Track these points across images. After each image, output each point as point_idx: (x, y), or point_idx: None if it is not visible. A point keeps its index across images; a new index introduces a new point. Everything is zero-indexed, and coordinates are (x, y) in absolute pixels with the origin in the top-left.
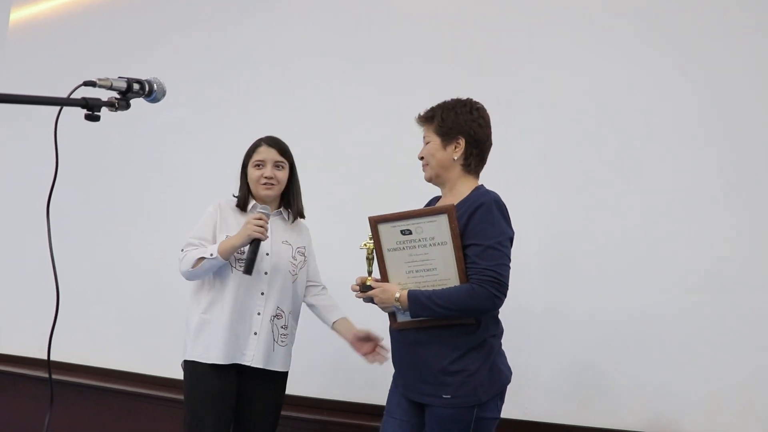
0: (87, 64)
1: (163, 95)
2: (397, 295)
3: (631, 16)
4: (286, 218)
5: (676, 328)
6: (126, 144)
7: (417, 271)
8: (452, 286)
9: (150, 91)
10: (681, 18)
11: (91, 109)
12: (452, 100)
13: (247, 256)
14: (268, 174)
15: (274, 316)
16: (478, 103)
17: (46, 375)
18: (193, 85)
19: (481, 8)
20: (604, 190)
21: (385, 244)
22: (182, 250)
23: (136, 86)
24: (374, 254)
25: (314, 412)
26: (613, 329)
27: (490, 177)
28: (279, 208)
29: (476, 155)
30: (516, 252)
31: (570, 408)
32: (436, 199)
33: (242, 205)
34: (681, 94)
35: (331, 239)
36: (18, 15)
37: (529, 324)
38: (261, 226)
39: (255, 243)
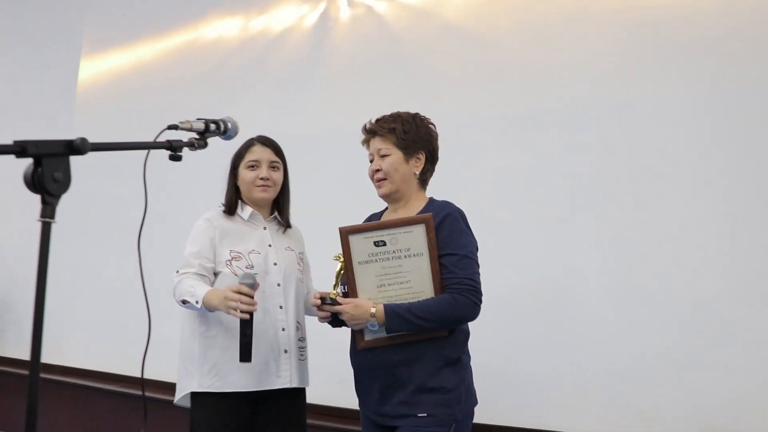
0: (153, 110)
1: (236, 133)
2: (373, 310)
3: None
4: (280, 223)
5: None
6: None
7: (389, 285)
8: (427, 298)
9: (225, 130)
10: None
11: (175, 150)
12: (404, 112)
13: (241, 340)
14: (264, 175)
15: (296, 330)
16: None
17: (124, 389)
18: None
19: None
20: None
21: (356, 257)
22: (177, 272)
23: (212, 126)
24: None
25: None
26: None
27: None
28: (273, 213)
29: (430, 170)
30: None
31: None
32: (376, 215)
33: (232, 210)
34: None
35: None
36: (87, 64)
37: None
38: (247, 302)
39: (245, 323)
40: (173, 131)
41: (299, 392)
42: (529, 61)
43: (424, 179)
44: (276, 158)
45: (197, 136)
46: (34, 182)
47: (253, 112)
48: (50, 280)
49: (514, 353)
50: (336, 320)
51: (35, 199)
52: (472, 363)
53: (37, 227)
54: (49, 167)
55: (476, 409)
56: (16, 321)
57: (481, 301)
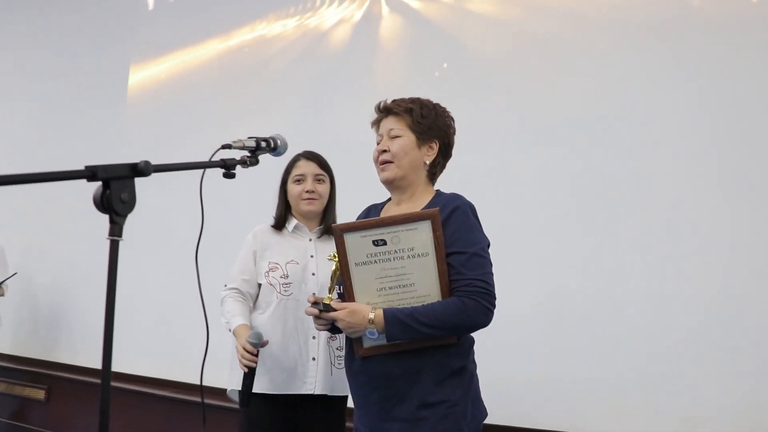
0: (199, 123)
1: (285, 149)
2: (371, 315)
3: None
4: (324, 232)
5: None
6: None
7: (390, 288)
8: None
9: (275, 147)
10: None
11: (228, 168)
12: (424, 99)
13: (242, 388)
14: (309, 188)
15: (330, 338)
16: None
17: (178, 395)
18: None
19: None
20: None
21: (353, 257)
22: (225, 286)
23: (263, 144)
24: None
25: None
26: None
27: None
28: (320, 224)
29: (441, 165)
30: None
31: None
32: (376, 207)
33: (280, 224)
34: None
35: None
36: (136, 76)
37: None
38: (248, 359)
39: (246, 375)
40: (226, 150)
41: (337, 400)
42: (579, 65)
43: (433, 172)
44: (321, 171)
45: (249, 154)
46: (103, 203)
47: (293, 114)
48: (95, 291)
49: (554, 360)
50: (335, 326)
51: (82, 216)
52: (504, 370)
53: (86, 242)
54: (116, 189)
55: (516, 414)
56: (67, 328)
57: (494, 306)
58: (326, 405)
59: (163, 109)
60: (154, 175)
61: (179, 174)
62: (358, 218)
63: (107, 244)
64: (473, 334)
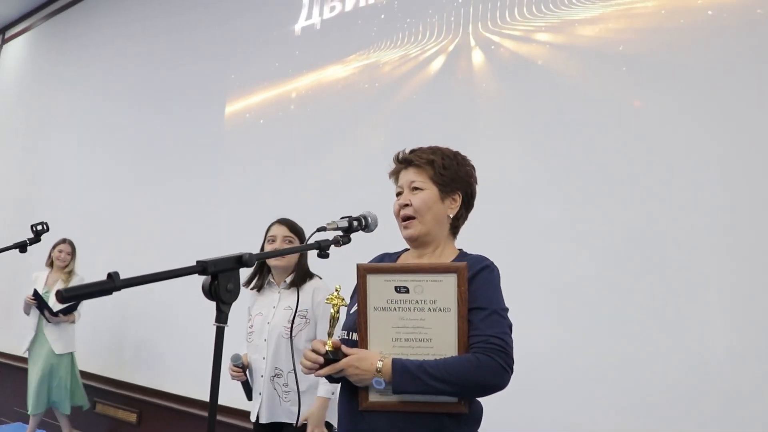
0: (288, 151)
1: (376, 226)
2: (379, 364)
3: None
4: (289, 285)
5: None
6: None
7: (406, 340)
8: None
9: (366, 225)
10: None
11: (323, 250)
12: (444, 147)
13: (244, 390)
14: (277, 247)
15: (273, 376)
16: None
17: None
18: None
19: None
20: None
21: (373, 301)
22: None
23: (355, 223)
24: (340, 313)
25: None
26: None
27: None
28: (291, 274)
29: (464, 217)
30: None
31: None
32: (391, 256)
33: (248, 282)
34: None
35: None
36: (232, 108)
37: None
38: (233, 374)
39: (243, 383)
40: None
41: (290, 427)
42: (660, 102)
43: (456, 225)
44: (289, 233)
45: (342, 233)
46: (211, 293)
47: (370, 150)
48: (185, 322)
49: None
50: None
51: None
52: None
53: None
54: (223, 280)
55: None
56: (158, 356)
57: (511, 367)
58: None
59: (256, 148)
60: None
61: None
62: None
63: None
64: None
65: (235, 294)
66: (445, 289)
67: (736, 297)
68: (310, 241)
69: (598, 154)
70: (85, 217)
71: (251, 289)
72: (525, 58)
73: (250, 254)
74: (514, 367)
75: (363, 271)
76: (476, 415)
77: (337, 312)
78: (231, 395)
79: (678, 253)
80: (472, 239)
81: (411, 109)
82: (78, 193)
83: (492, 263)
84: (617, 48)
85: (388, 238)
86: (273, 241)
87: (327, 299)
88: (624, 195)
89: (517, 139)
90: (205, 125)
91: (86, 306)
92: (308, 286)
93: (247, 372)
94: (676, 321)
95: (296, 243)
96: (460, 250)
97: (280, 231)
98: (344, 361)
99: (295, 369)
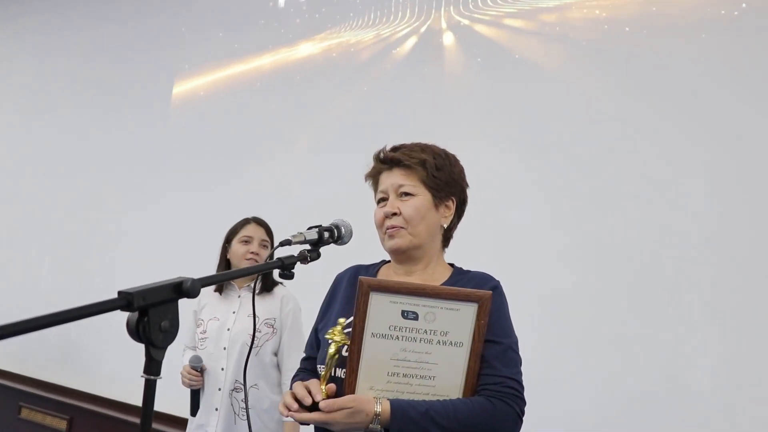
0: (241, 132)
1: (351, 237)
2: (377, 408)
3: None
4: (257, 291)
5: None
6: None
7: (404, 376)
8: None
9: (339, 236)
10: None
11: (286, 269)
12: (432, 145)
13: (191, 401)
14: (254, 250)
15: (233, 390)
16: None
17: None
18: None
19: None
20: None
21: (372, 325)
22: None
23: (326, 235)
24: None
25: None
26: None
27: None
28: (255, 278)
29: (455, 226)
30: None
31: None
32: (367, 270)
33: (219, 286)
34: None
35: None
36: (180, 88)
37: None
38: (189, 380)
39: (192, 392)
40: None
41: None
42: (642, 108)
43: (448, 236)
44: (266, 237)
45: (309, 248)
46: (138, 334)
47: (335, 141)
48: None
49: None
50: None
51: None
52: None
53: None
54: (156, 317)
55: None
56: (93, 357)
57: (524, 413)
58: None
59: (208, 120)
60: None
61: None
62: (339, 279)
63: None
64: None
65: (172, 334)
66: (462, 321)
67: (719, 308)
68: (274, 257)
69: (577, 157)
70: (18, 214)
71: (215, 290)
72: (501, 47)
73: (193, 280)
74: None
75: (366, 288)
76: None
77: (336, 353)
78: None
79: (660, 262)
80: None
81: (377, 98)
82: (9, 186)
83: (499, 283)
84: (603, 43)
85: (358, 246)
86: (248, 242)
87: (327, 335)
88: (605, 200)
89: (490, 136)
90: (152, 108)
91: (4, 295)
92: (276, 293)
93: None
94: (656, 333)
95: (269, 251)
96: (452, 265)
97: (258, 233)
98: (329, 415)
99: (257, 383)
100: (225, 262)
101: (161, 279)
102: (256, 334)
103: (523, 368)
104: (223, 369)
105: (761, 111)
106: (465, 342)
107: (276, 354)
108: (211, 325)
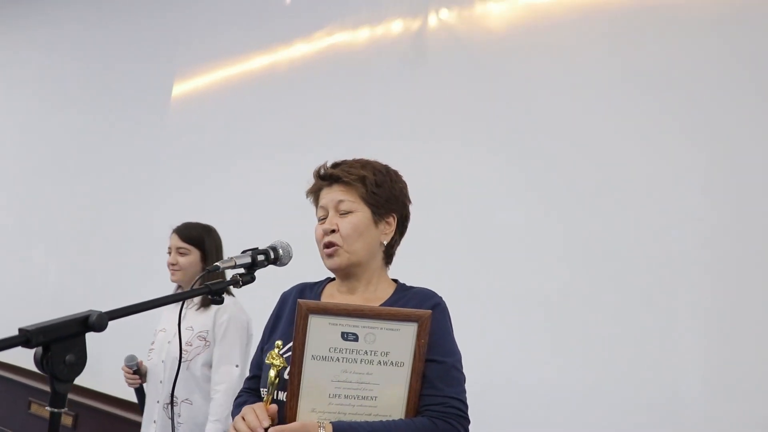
0: (241, 132)
1: (290, 258)
2: None
3: None
4: (200, 305)
5: None
6: None
7: (346, 397)
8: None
9: (276, 258)
10: None
11: (215, 294)
12: (372, 160)
13: (137, 400)
14: (170, 261)
15: (168, 404)
16: None
17: None
18: None
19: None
20: None
21: (312, 348)
22: None
23: (260, 257)
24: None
25: None
26: None
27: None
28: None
29: (397, 243)
30: None
31: None
32: (312, 288)
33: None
34: None
35: None
36: (180, 88)
37: None
38: (127, 380)
39: (137, 389)
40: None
41: None
42: (632, 107)
43: (390, 253)
44: (182, 244)
45: (243, 271)
46: (43, 368)
47: (328, 143)
48: None
49: None
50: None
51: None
52: None
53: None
54: (58, 351)
55: None
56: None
57: None
58: None
59: (205, 121)
60: None
61: None
62: (284, 298)
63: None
64: None
65: (78, 366)
66: (402, 341)
67: (711, 310)
68: (198, 285)
69: (569, 157)
70: (25, 214)
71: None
72: (490, 46)
73: (100, 314)
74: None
75: (305, 311)
76: None
77: (277, 377)
78: None
79: (652, 267)
80: (426, 246)
81: (368, 102)
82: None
83: (442, 300)
84: (594, 42)
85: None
86: (169, 253)
87: (267, 359)
88: (596, 201)
89: (479, 136)
90: (154, 108)
91: (12, 294)
92: (213, 306)
93: (144, 386)
94: (645, 339)
95: (193, 253)
96: (395, 281)
97: (173, 242)
98: None
99: (189, 397)
100: None
101: (160, 277)
102: (187, 347)
103: (511, 367)
104: (161, 382)
105: (759, 108)
106: (406, 362)
107: (209, 367)
108: (159, 336)
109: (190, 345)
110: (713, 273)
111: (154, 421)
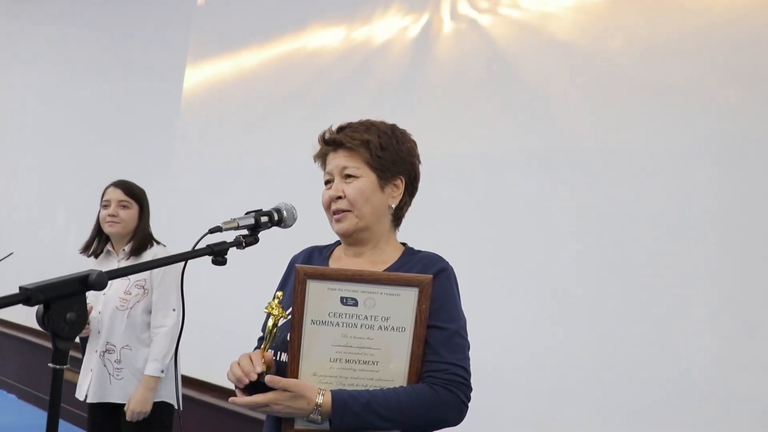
0: (252, 118)
1: (294, 220)
2: (319, 400)
3: None
4: (129, 254)
5: None
6: None
7: (347, 361)
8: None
9: (280, 220)
10: None
11: (217, 255)
12: (379, 122)
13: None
14: (111, 212)
15: (104, 352)
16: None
17: None
18: None
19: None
20: None
21: (311, 312)
22: None
23: (264, 219)
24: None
25: None
26: None
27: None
28: (130, 242)
29: (407, 205)
30: None
31: None
32: (321, 252)
33: (87, 248)
34: None
35: None
36: (196, 55)
37: None
38: None
39: (81, 340)
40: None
41: (119, 407)
42: (640, 80)
43: (399, 216)
44: (125, 198)
45: (247, 232)
46: (44, 326)
47: (344, 106)
48: None
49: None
50: (261, 386)
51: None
52: None
53: None
54: (59, 309)
55: None
56: None
57: (469, 400)
58: (116, 411)
59: (217, 111)
60: None
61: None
62: (294, 261)
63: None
64: None
65: (79, 325)
66: (403, 306)
67: (723, 288)
68: (201, 245)
69: (580, 130)
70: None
71: (89, 256)
72: (506, 11)
73: (100, 273)
74: (477, 356)
75: (303, 276)
76: None
77: (275, 326)
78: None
79: (665, 240)
80: (436, 217)
81: (382, 69)
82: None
83: (447, 264)
84: (606, 10)
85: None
86: (107, 206)
87: (266, 308)
88: (610, 174)
89: (492, 102)
90: (167, 73)
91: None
92: (148, 254)
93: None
94: (658, 312)
95: (134, 208)
96: (404, 245)
97: (115, 195)
98: (271, 395)
99: (129, 344)
100: (97, 229)
101: (179, 244)
102: (125, 296)
103: (525, 340)
104: (99, 332)
105: None
106: (407, 327)
107: (148, 314)
108: (92, 291)
109: (129, 294)
110: (725, 247)
111: (91, 370)
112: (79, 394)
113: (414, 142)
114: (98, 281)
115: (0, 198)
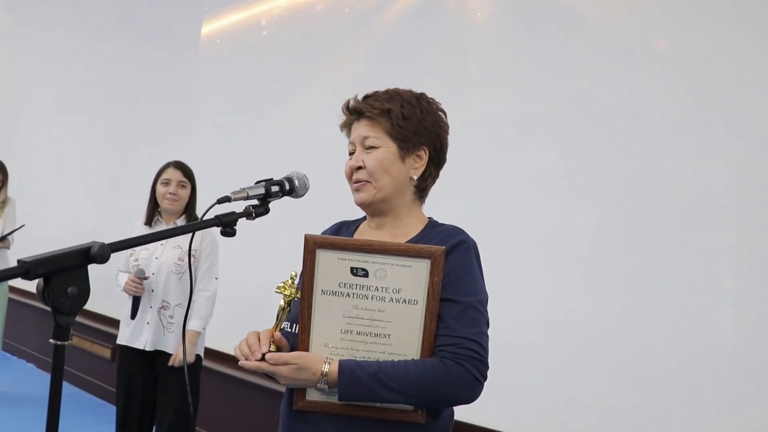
0: (274, 73)
1: (306, 189)
2: (325, 368)
3: None
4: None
5: None
6: None
7: (358, 333)
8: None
9: (291, 189)
10: None
11: (226, 226)
12: (405, 90)
13: (131, 307)
14: (172, 191)
15: (161, 308)
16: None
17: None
18: None
19: None
20: None
21: (321, 282)
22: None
23: (275, 188)
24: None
25: None
26: None
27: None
28: (181, 216)
29: (433, 176)
30: None
31: None
32: (348, 226)
33: (149, 219)
34: None
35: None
36: (209, 28)
37: None
38: (134, 288)
39: (134, 299)
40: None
41: (151, 354)
42: (658, 47)
43: (423, 188)
44: (183, 178)
45: (257, 202)
46: (45, 300)
47: (345, 77)
48: None
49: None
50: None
51: None
52: None
53: None
54: (60, 283)
55: None
56: None
57: (485, 377)
58: (163, 359)
59: (236, 58)
60: None
61: None
62: (324, 234)
63: None
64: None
65: (81, 299)
66: (415, 278)
67: (744, 257)
68: (209, 216)
69: (603, 98)
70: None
71: (145, 224)
72: None
73: (102, 245)
74: (496, 323)
75: (312, 245)
76: (442, 423)
77: (288, 305)
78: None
79: (683, 213)
80: (456, 186)
81: (395, 37)
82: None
83: (468, 237)
84: None
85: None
86: (167, 183)
87: (277, 288)
88: (628, 144)
89: (512, 74)
90: (183, 46)
91: (55, 225)
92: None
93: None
94: (680, 286)
95: (188, 188)
96: (429, 219)
97: (175, 175)
98: (276, 369)
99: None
100: (153, 201)
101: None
102: (179, 262)
103: (545, 309)
104: (153, 291)
105: None
106: (419, 300)
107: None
108: (142, 254)
109: (182, 261)
110: (747, 216)
111: (147, 323)
112: (137, 344)
113: (442, 113)
114: (100, 253)
115: (19, 167)
